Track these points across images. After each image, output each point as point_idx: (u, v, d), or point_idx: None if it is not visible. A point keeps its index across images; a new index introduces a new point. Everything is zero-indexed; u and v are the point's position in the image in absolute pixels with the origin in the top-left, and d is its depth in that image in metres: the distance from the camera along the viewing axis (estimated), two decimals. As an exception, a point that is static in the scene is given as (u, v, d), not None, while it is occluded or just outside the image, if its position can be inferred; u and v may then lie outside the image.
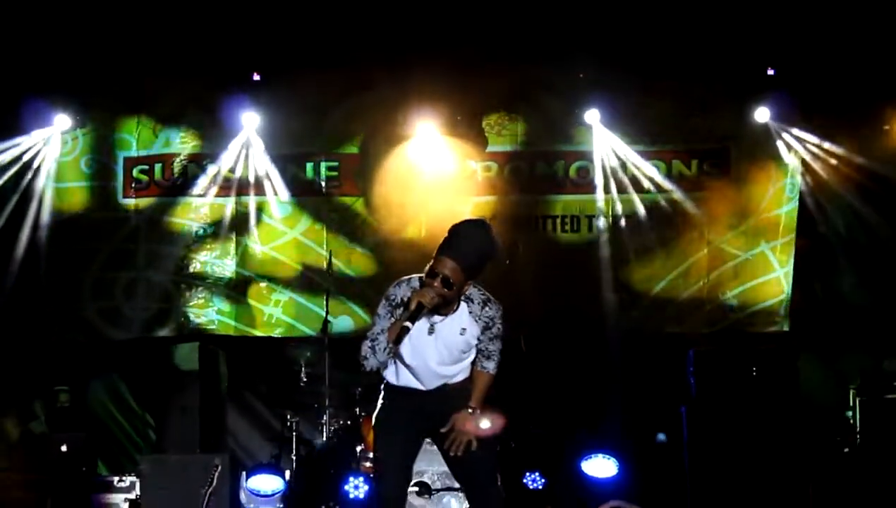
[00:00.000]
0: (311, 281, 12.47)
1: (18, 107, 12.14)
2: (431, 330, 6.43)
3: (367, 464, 10.16)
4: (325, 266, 11.48)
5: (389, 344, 6.35)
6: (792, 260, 12.34)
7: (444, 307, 6.39)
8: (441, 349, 6.48)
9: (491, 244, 6.43)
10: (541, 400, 11.18)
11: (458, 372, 6.64)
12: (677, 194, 12.47)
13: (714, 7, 11.36)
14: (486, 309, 6.45)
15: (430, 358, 6.50)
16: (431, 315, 6.40)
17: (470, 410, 6.49)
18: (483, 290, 6.56)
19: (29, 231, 12.29)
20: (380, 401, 6.83)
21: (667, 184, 12.45)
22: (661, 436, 11.44)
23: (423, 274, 6.37)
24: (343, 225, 12.61)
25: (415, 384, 6.61)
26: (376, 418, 6.83)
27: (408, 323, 6.25)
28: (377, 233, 12.55)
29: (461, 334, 6.45)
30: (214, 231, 12.61)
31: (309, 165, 12.70)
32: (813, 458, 10.45)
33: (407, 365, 6.57)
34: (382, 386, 6.81)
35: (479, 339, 6.52)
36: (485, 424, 6.59)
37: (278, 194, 12.54)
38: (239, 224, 12.56)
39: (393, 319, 6.41)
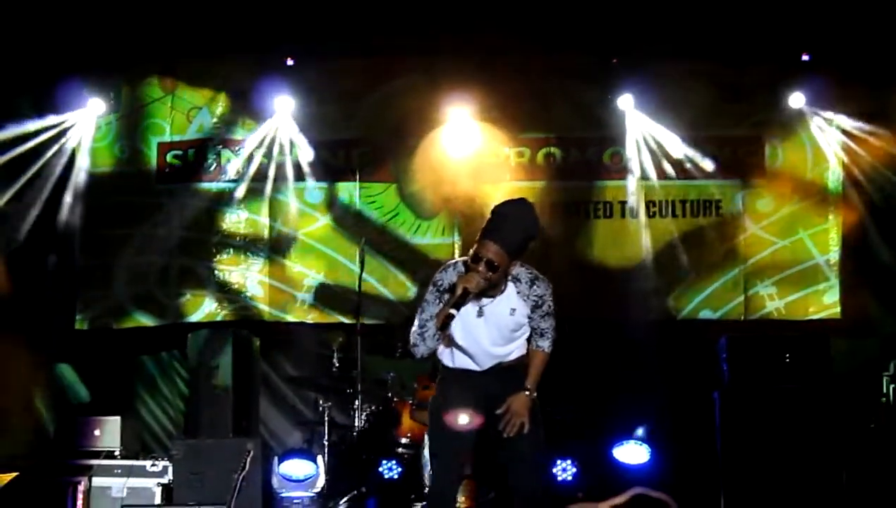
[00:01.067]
0: (344, 266, 12.55)
1: (54, 88, 12.24)
2: (480, 313, 6.47)
3: (400, 449, 10.26)
4: (357, 251, 11.51)
5: (437, 331, 6.38)
6: (839, 246, 12.36)
7: (491, 290, 6.42)
8: (492, 330, 6.52)
9: (533, 222, 6.48)
10: (573, 388, 11.20)
11: (513, 351, 6.68)
12: (712, 180, 12.49)
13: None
14: (535, 287, 6.50)
15: (481, 339, 6.54)
16: (479, 298, 6.43)
17: (526, 391, 6.53)
18: (531, 268, 6.61)
19: (65, 215, 12.42)
20: (436, 387, 6.91)
21: (701, 170, 12.45)
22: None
23: (468, 258, 6.40)
24: (377, 210, 12.71)
25: (470, 365, 6.66)
26: (431, 406, 6.91)
27: (453, 310, 6.27)
28: (411, 225, 12.66)
29: (511, 314, 6.48)
30: (248, 216, 12.70)
31: (342, 151, 12.78)
32: (846, 444, 10.45)
33: (461, 348, 6.62)
34: (440, 371, 6.87)
35: (530, 318, 6.56)
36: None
37: (312, 179, 12.64)
38: (272, 209, 12.66)
39: (441, 304, 6.45)
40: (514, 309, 6.48)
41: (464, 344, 6.61)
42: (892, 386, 11.03)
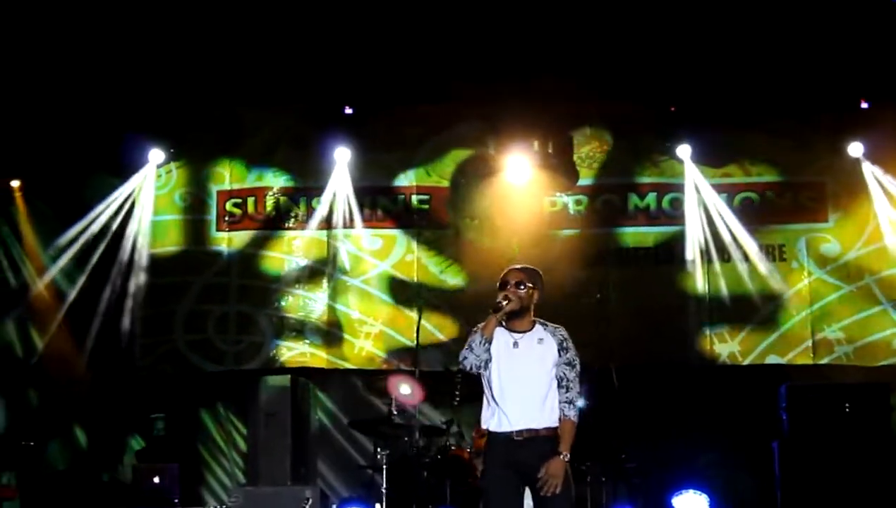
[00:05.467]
0: (401, 313, 12.85)
1: (119, 144, 12.66)
2: (516, 345, 7.21)
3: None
4: (415, 298, 11.73)
5: (484, 337, 7.08)
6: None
7: (521, 315, 7.19)
8: (528, 362, 7.19)
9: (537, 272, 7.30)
10: (631, 435, 11.38)
11: (544, 407, 7.21)
12: (774, 225, 12.73)
13: (807, 40, 11.47)
14: (558, 329, 7.30)
15: (520, 370, 7.19)
16: (511, 331, 7.21)
17: (562, 455, 7.13)
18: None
19: (125, 265, 12.84)
20: (483, 461, 7.46)
21: (763, 216, 12.73)
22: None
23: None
24: (434, 257, 12.98)
25: (506, 424, 7.21)
26: (481, 483, 7.47)
27: (502, 304, 7.03)
28: (469, 272, 12.91)
29: (539, 344, 7.22)
30: (307, 264, 13.01)
31: (400, 197, 13.11)
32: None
33: (500, 393, 7.19)
34: (485, 441, 7.41)
35: (557, 362, 7.20)
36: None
37: (369, 227, 12.99)
38: (331, 257, 12.97)
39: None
40: (541, 339, 7.24)
41: (504, 382, 7.23)
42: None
